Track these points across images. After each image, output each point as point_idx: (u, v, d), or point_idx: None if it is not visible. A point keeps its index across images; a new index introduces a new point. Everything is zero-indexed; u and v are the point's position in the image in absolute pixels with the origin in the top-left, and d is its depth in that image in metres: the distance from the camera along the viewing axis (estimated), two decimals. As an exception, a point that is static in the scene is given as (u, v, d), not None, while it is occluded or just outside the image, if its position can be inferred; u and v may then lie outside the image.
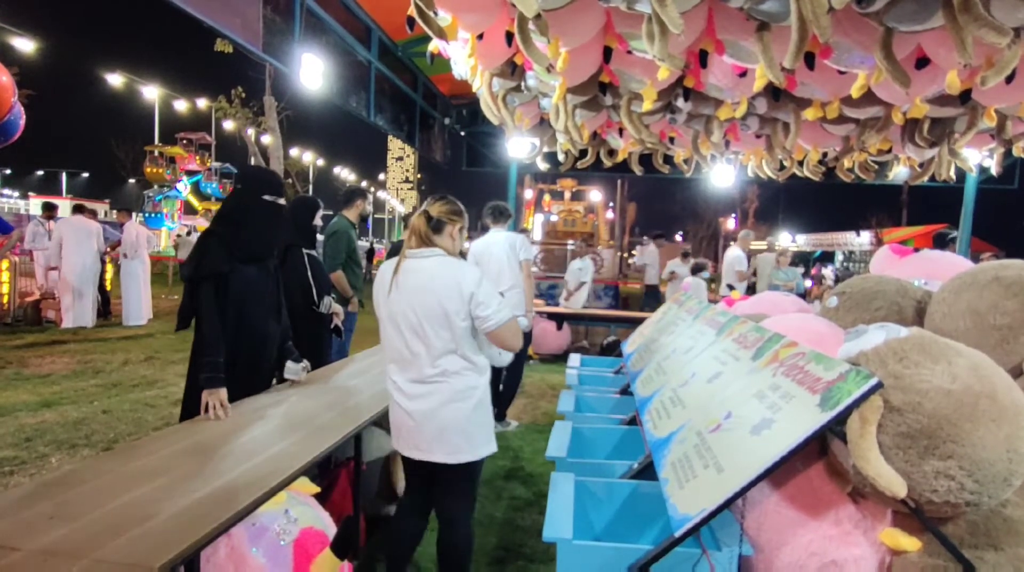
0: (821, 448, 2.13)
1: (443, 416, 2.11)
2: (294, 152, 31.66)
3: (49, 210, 8.92)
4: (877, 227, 22.74)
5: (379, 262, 4.93)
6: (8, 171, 44.58)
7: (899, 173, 6.74)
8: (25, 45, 18.17)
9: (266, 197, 2.61)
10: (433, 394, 2.12)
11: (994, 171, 5.43)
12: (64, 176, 46.85)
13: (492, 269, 4.65)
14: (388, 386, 2.26)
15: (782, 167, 5.83)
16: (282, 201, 2.68)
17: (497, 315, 2.10)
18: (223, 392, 2.31)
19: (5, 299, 7.93)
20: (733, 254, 8.43)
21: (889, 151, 5.11)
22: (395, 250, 5.01)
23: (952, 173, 5.23)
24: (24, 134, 10.85)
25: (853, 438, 1.79)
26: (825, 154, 5.48)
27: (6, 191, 39.83)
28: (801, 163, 5.60)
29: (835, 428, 1.90)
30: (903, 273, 3.20)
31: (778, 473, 1.95)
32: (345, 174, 48.95)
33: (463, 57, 3.56)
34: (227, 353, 2.37)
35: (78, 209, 8.74)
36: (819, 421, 1.89)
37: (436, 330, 2.09)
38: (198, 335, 2.45)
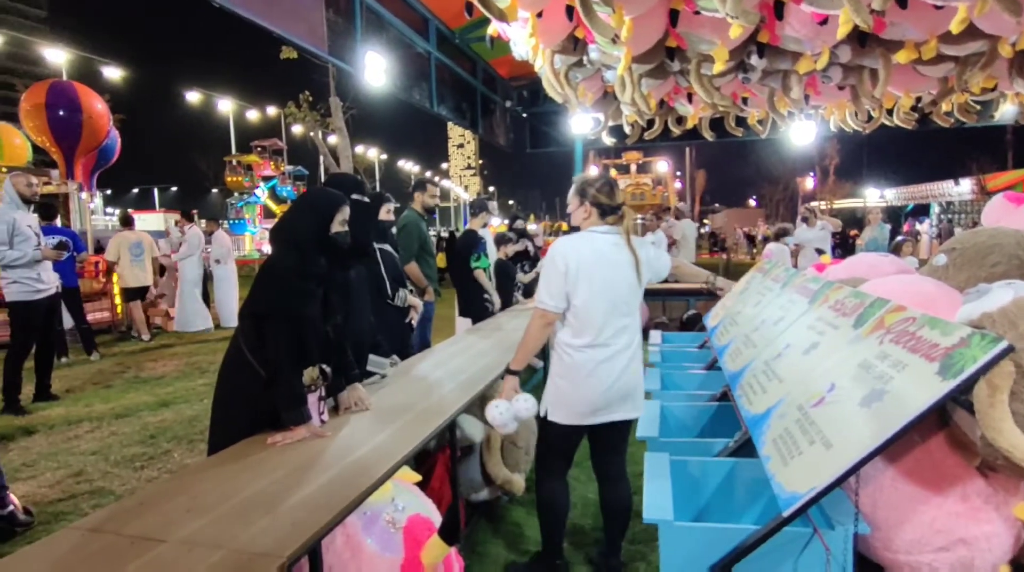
0: (941, 419, 1.98)
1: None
2: (359, 149, 32.59)
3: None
4: (979, 173, 20.71)
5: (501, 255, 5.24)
6: (108, 191, 48.55)
7: (1005, 112, 6.12)
8: (113, 73, 19.66)
9: (354, 196, 2.73)
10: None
11: (1121, 100, 4.82)
12: (156, 191, 50.61)
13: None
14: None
15: (869, 118, 5.42)
16: (367, 199, 2.88)
17: None
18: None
19: (119, 310, 8.67)
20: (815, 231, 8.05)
21: (994, 89, 4.64)
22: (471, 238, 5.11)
23: (1071, 106, 4.70)
24: (119, 155, 11.76)
25: (982, 408, 1.65)
26: (919, 99, 5.04)
27: (108, 209, 43.41)
28: (891, 111, 5.18)
29: (959, 397, 1.76)
30: (1022, 223, 2.90)
31: (894, 447, 1.83)
32: (408, 166, 50.01)
33: (523, 37, 3.51)
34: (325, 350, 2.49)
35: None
36: (940, 391, 1.75)
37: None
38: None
